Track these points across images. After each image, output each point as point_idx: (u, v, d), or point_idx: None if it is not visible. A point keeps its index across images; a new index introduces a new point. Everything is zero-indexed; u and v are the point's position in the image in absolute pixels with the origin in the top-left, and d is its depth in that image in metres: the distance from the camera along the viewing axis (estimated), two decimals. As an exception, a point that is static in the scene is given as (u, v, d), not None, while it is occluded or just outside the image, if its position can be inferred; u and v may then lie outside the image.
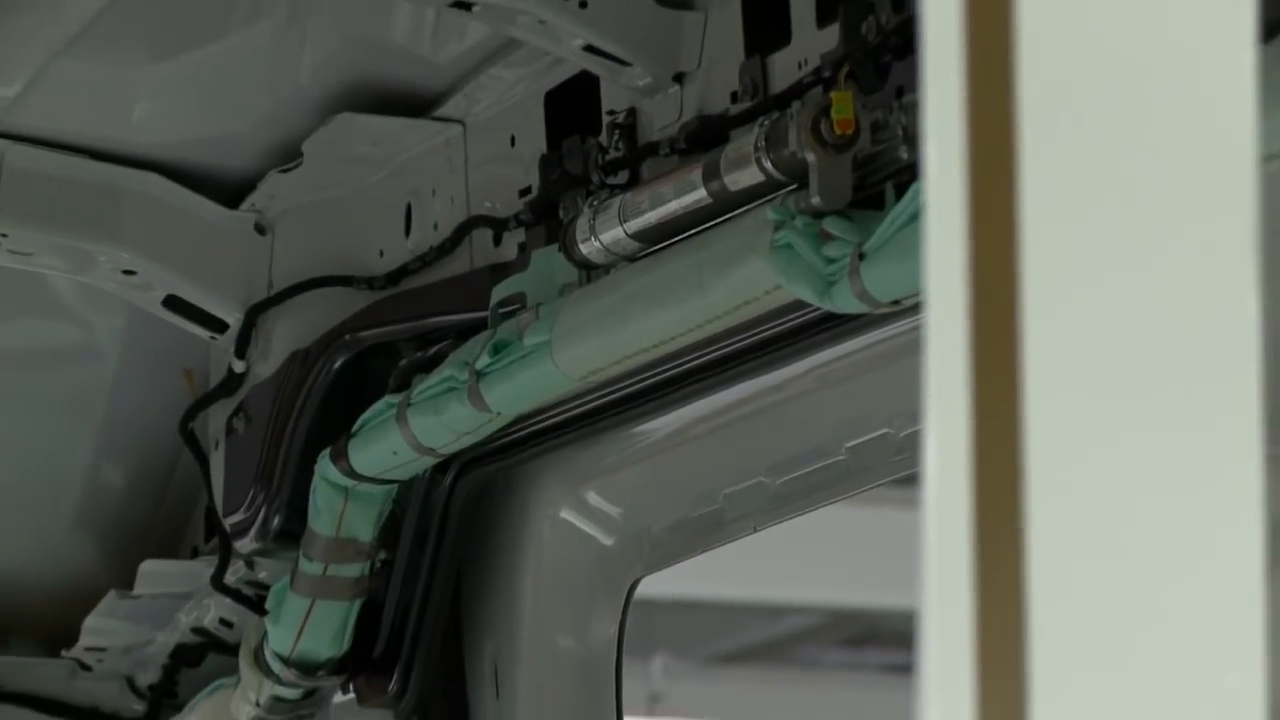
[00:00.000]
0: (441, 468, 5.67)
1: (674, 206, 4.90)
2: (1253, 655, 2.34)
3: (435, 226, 5.60)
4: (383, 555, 5.76)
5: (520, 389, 5.27)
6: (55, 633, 6.53)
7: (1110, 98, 2.33)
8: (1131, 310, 2.28)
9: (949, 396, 2.33)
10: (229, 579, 5.96)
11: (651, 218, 4.96)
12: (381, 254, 5.73)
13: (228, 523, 5.90)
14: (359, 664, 5.84)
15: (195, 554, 6.35)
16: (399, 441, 5.47)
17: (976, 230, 2.27)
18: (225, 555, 5.93)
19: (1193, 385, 2.28)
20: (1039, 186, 2.26)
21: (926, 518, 2.25)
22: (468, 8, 5.19)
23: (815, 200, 4.36)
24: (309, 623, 5.78)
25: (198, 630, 6.29)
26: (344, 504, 5.71)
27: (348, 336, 5.73)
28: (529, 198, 5.33)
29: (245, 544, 5.86)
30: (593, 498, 5.83)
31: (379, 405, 5.54)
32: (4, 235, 5.79)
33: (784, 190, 4.64)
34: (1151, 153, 2.29)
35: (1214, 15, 2.28)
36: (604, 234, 5.00)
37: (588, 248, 5.05)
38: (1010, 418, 2.22)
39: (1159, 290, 2.28)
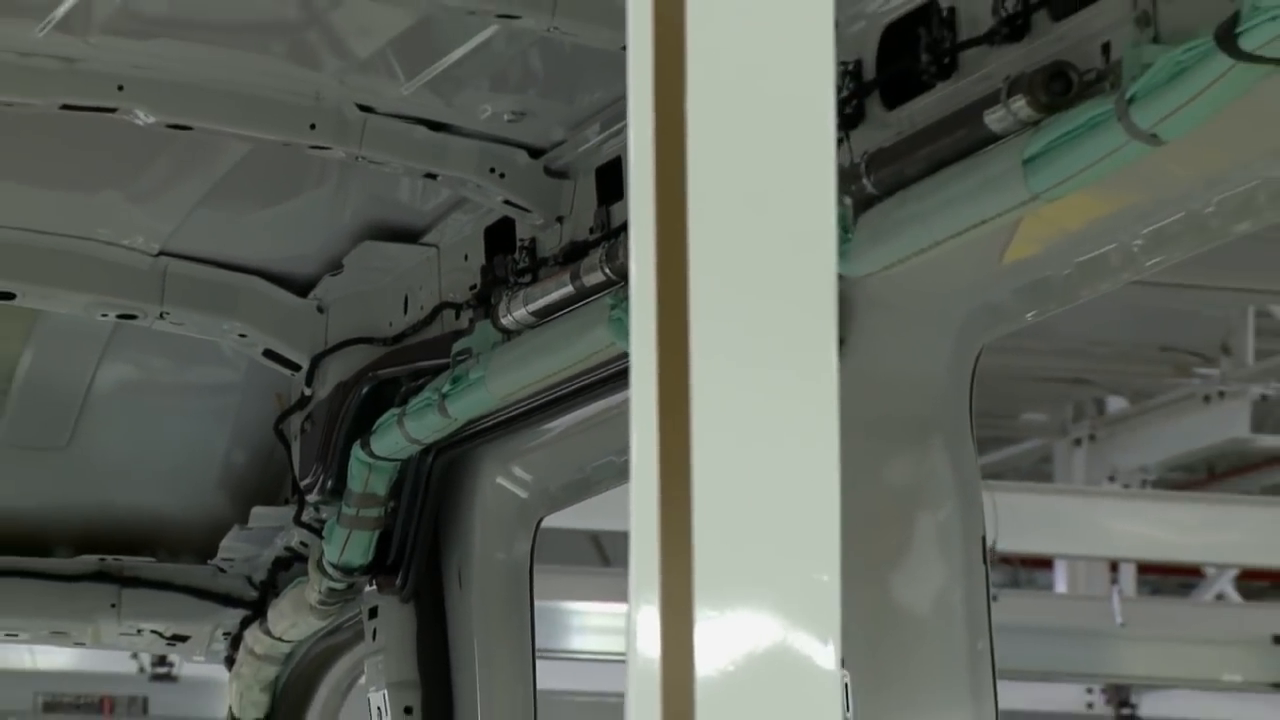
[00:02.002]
0: (426, 451, 6.83)
1: (555, 296, 5.97)
2: (832, 560, 2.94)
3: (421, 308, 6.74)
4: (392, 504, 6.92)
5: (468, 405, 6.39)
6: (206, 550, 7.53)
7: (738, 212, 2.97)
8: (751, 334, 2.97)
9: (643, 406, 2.86)
10: (304, 518, 7.11)
11: (543, 302, 6.01)
12: (390, 324, 6.87)
13: (302, 484, 7.07)
14: (378, 569, 6.97)
15: (285, 503, 7.36)
16: (399, 436, 6.62)
17: (661, 311, 2.77)
18: (301, 504, 7.09)
19: (790, 380, 2.91)
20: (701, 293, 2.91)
21: (633, 480, 2.89)
22: (434, 177, 6.29)
23: None
24: (348, 544, 6.90)
25: (287, 548, 7.38)
26: (368, 473, 6.83)
27: (371, 374, 6.84)
28: (475, 291, 6.44)
29: (312, 497, 7.01)
30: (515, 469, 6.90)
31: (388, 414, 6.70)
32: (168, 314, 6.87)
33: (618, 285, 5.63)
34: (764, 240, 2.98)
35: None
36: (515, 313, 6.10)
37: (507, 321, 6.15)
38: (683, 416, 2.84)
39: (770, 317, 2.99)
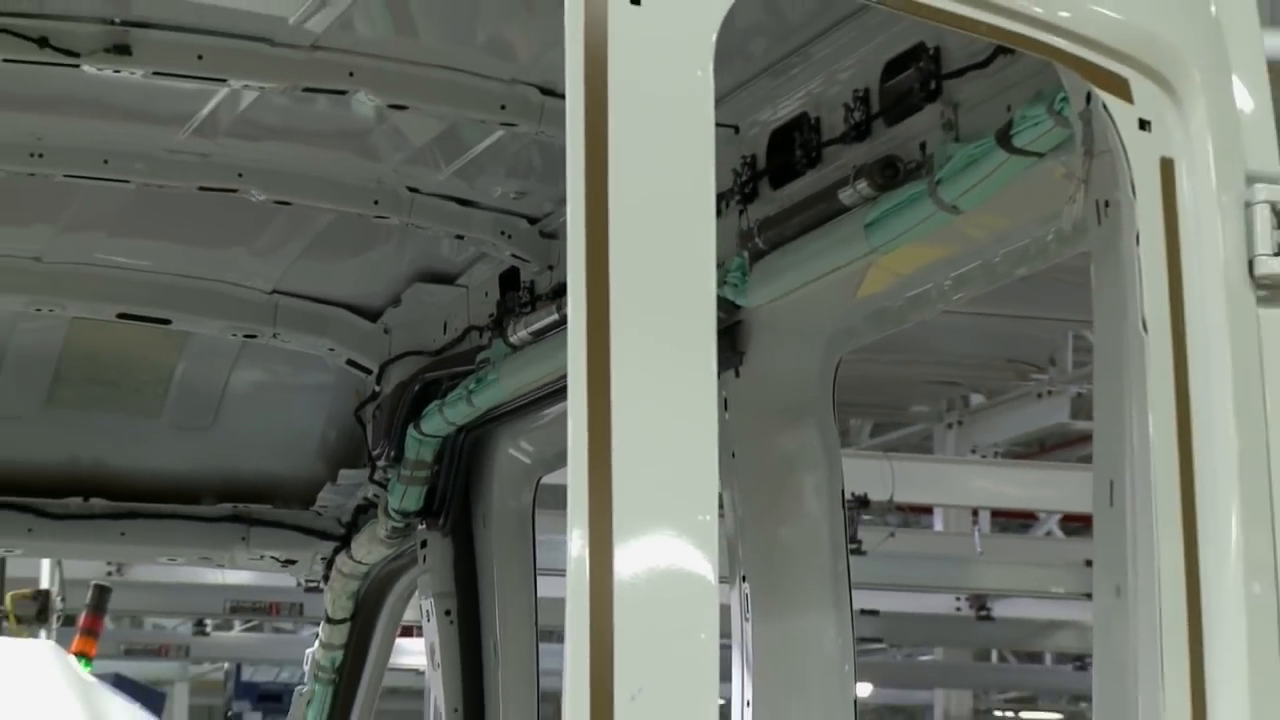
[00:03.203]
0: (459, 430, 6.65)
1: (545, 321, 5.84)
2: (711, 505, 3.47)
3: (455, 330, 6.58)
4: (436, 467, 6.75)
5: (487, 397, 6.25)
6: (308, 499, 7.39)
7: (645, 268, 3.40)
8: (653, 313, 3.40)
9: (578, 400, 3.36)
10: (375, 477, 6.93)
11: (537, 326, 5.86)
12: (434, 341, 6.70)
13: (374, 454, 6.87)
14: (426, 513, 6.82)
15: (363, 467, 7.09)
16: (440, 419, 6.49)
17: (591, 335, 3.30)
18: (373, 467, 6.89)
19: (681, 380, 3.35)
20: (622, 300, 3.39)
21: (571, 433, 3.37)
22: (462, 238, 6.23)
23: None
24: (405, 496, 6.77)
25: (364, 499, 7.18)
26: (419, 446, 6.67)
27: (421, 376, 6.65)
28: (492, 318, 6.27)
29: (381, 463, 6.82)
30: (521, 442, 6.71)
31: (433, 404, 6.55)
32: (279, 334, 6.82)
33: None
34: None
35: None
36: (520, 334, 5.95)
37: (514, 339, 6.00)
38: (606, 407, 3.37)
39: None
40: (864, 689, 29.61)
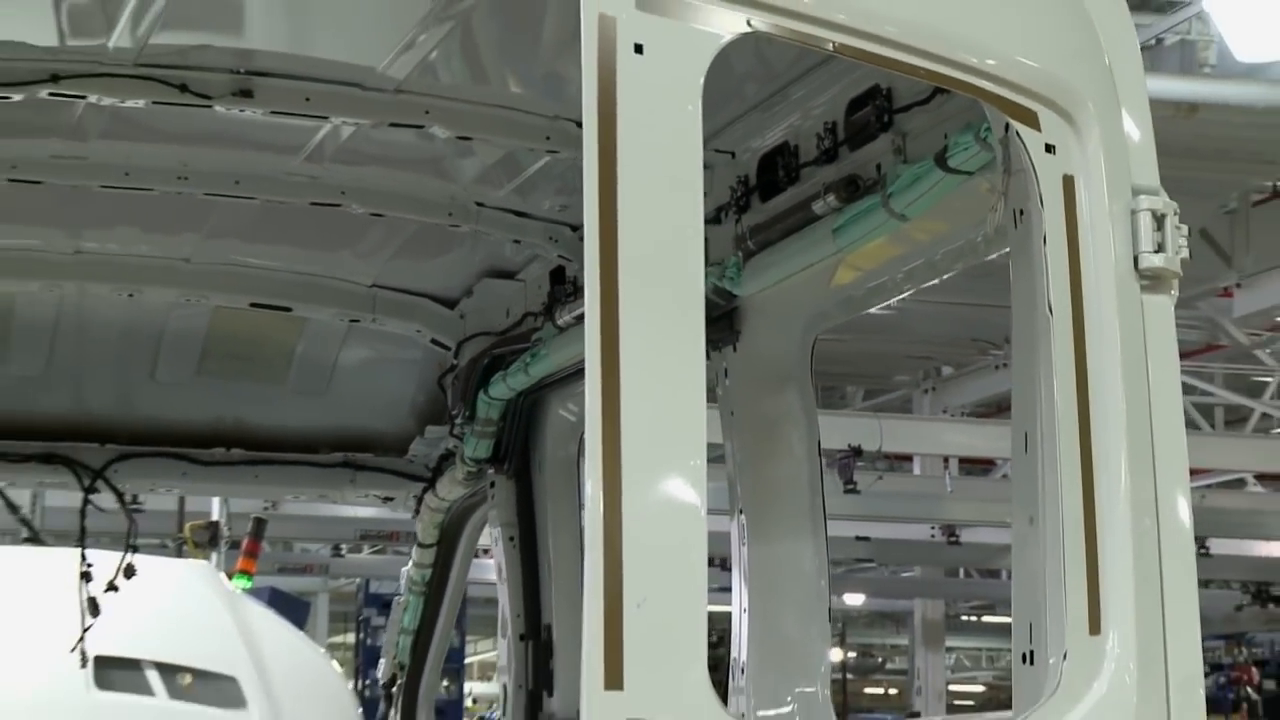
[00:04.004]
0: (519, 395, 6.59)
1: (579, 312, 5.72)
2: (700, 452, 3.39)
3: (515, 315, 6.51)
4: (501, 424, 6.71)
5: (540, 368, 6.21)
6: (402, 449, 7.32)
7: (646, 266, 3.37)
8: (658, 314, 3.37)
9: (594, 373, 3.26)
10: (454, 432, 6.86)
11: (578, 312, 5.70)
12: (499, 324, 6.62)
13: (453, 414, 6.84)
14: (494, 460, 6.80)
15: (445, 424, 7.01)
16: (504, 386, 6.46)
17: (604, 320, 3.27)
18: (452, 424, 6.85)
19: (675, 355, 3.34)
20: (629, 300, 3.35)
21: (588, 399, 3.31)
22: (519, 242, 6.15)
23: None
24: (478, 446, 6.76)
25: (446, 449, 7.10)
26: (488, 407, 6.64)
27: (489, 352, 6.62)
28: (545, 306, 6.18)
29: (458, 421, 6.81)
30: (568, 403, 6.61)
31: (498, 374, 6.52)
32: (378, 319, 6.78)
33: None
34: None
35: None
36: (565, 318, 5.91)
37: (561, 323, 5.95)
38: (616, 377, 3.32)
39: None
40: (857, 599, 29.66)
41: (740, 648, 5.12)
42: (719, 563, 6.36)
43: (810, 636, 5.13)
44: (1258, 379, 22.06)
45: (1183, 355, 18.99)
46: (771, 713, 5.01)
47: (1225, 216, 14.53)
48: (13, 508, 14.96)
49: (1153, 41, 13.15)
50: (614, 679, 3.23)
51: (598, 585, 3.29)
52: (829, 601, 5.16)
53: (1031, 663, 3.69)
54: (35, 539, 13.27)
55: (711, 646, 3.62)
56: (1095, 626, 3.60)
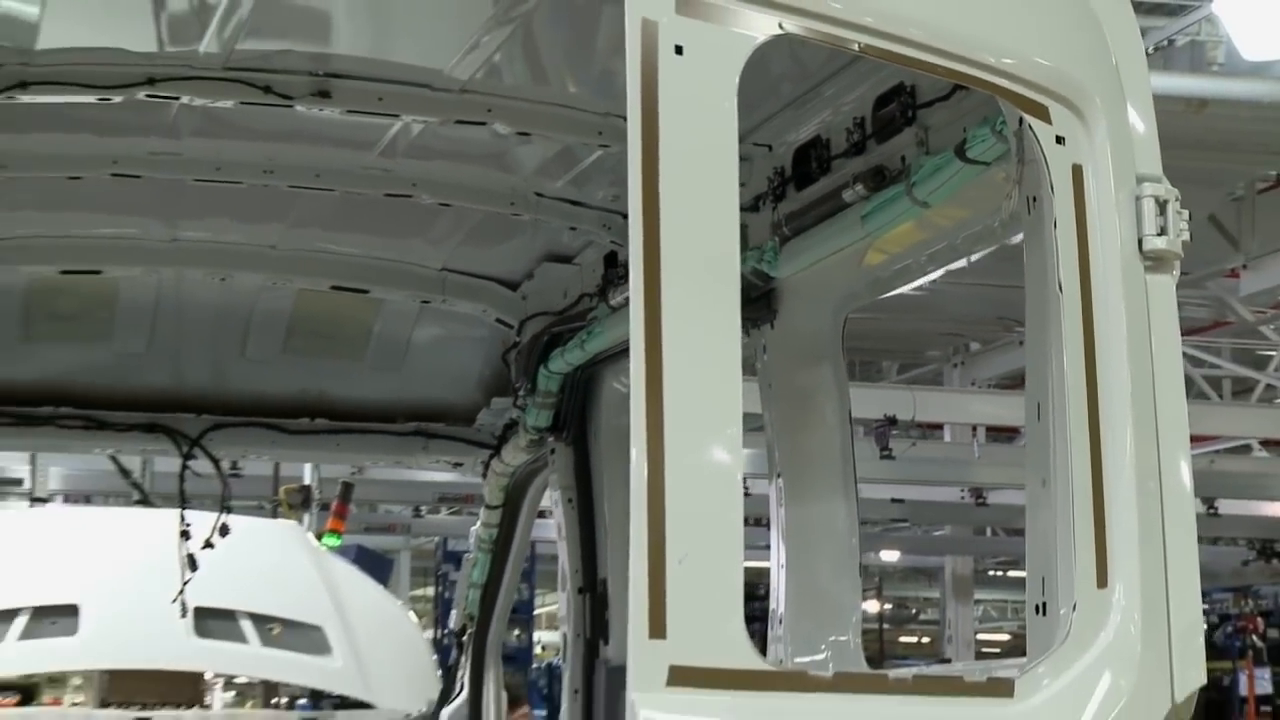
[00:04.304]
0: (576, 369, 6.53)
1: (625, 295, 5.32)
2: (736, 420, 3.34)
3: (573, 296, 6.45)
4: (560, 395, 6.67)
5: (595, 344, 6.16)
6: (471, 419, 7.32)
7: (686, 253, 3.36)
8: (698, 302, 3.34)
9: (638, 333, 3.27)
10: (517, 403, 6.82)
11: (622, 298, 5.68)
12: (557, 304, 6.55)
13: (516, 386, 6.82)
14: (554, 429, 6.76)
15: (509, 395, 6.99)
16: (562, 361, 6.42)
17: (648, 299, 3.28)
18: (516, 396, 6.82)
19: (713, 330, 3.32)
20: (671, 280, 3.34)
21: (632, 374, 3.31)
22: (575, 229, 6.09)
23: None
24: (538, 416, 6.72)
25: (510, 419, 7.06)
26: (548, 380, 6.60)
27: (548, 330, 6.55)
28: (599, 287, 6.13)
29: (521, 393, 6.77)
30: (620, 376, 6.42)
31: (557, 349, 6.48)
32: (447, 300, 6.74)
33: None
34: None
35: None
36: (616, 299, 5.82)
37: (613, 303, 5.89)
38: (659, 353, 3.27)
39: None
40: (893, 556, 29.57)
41: (778, 600, 5.09)
42: (759, 522, 6.31)
43: (842, 589, 5.10)
44: (1263, 353, 21.99)
45: (1193, 331, 18.96)
46: (807, 659, 4.96)
47: (1233, 204, 14.53)
48: (125, 472, 15.09)
49: (1165, 43, 13.10)
50: (658, 628, 3.23)
51: (642, 543, 3.28)
52: (859, 557, 5.12)
53: (1044, 614, 3.68)
54: (145, 501, 13.34)
55: (755, 599, 3.58)
56: (1103, 580, 3.58)
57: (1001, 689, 3.51)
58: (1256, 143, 11.94)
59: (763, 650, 4.91)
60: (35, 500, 18.69)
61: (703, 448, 3.37)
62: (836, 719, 3.42)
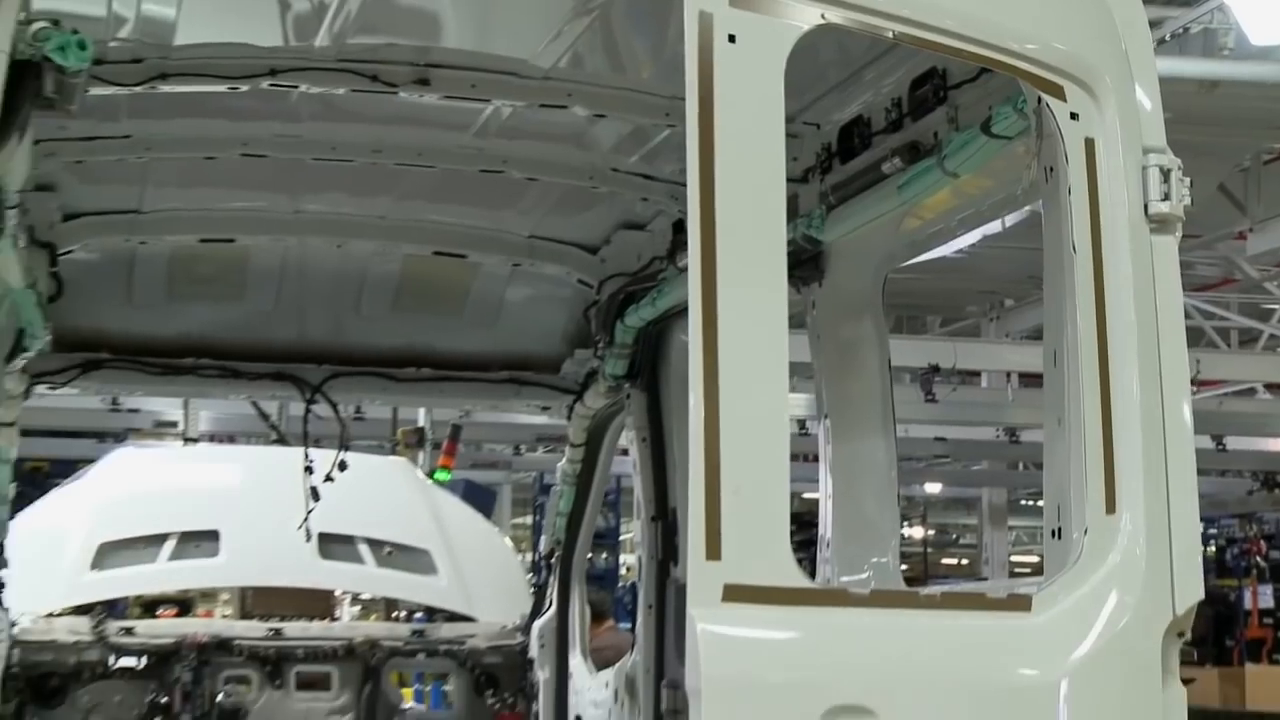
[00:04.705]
0: (649, 322, 6.45)
1: (682, 264, 5.65)
2: (783, 366, 3.37)
3: (645, 259, 6.41)
4: (635, 346, 6.61)
5: (665, 300, 6.10)
6: (556, 368, 7.24)
7: (738, 218, 3.36)
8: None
9: (696, 291, 3.28)
10: (598, 353, 6.75)
11: (687, 263, 4.97)
12: (632, 266, 6.49)
13: (596, 339, 6.77)
14: (629, 376, 6.66)
15: (591, 347, 6.91)
16: (637, 316, 6.37)
17: (704, 262, 3.34)
18: (596, 347, 6.75)
19: (761, 290, 3.32)
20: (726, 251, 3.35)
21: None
22: (647, 200, 6.02)
23: None
24: (615, 364, 6.66)
25: (591, 369, 6.96)
26: (624, 333, 6.55)
27: (624, 289, 6.50)
28: (668, 251, 6.11)
29: (600, 345, 6.71)
30: (685, 332, 5.94)
31: (632, 305, 6.42)
32: (535, 264, 6.63)
33: None
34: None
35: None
36: (683, 262, 5.31)
37: (680, 265, 5.76)
38: (714, 309, 3.30)
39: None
40: (935, 488, 29.40)
41: (826, 526, 5.06)
42: (809, 458, 6.27)
43: (883, 517, 5.06)
44: (1267, 307, 21.79)
45: (1204, 288, 18.79)
46: (851, 578, 4.95)
47: (1240, 174, 14.48)
48: (263, 416, 15.27)
49: (1181, 30, 13.01)
50: (714, 551, 3.24)
51: (700, 477, 3.29)
52: (898, 488, 5.10)
53: (1059, 538, 3.67)
54: (282, 440, 13.51)
55: (810, 526, 3.57)
56: (1111, 507, 3.58)
57: (1020, 604, 3.50)
58: (1262, 119, 11.90)
59: (813, 571, 4.97)
60: (187, 440, 18.88)
61: (752, 392, 3.36)
62: (872, 631, 3.41)
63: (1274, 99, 11.35)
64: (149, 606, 11.36)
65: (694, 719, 3.26)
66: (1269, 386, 22.02)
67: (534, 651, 7.54)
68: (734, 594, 3.24)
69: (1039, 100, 3.72)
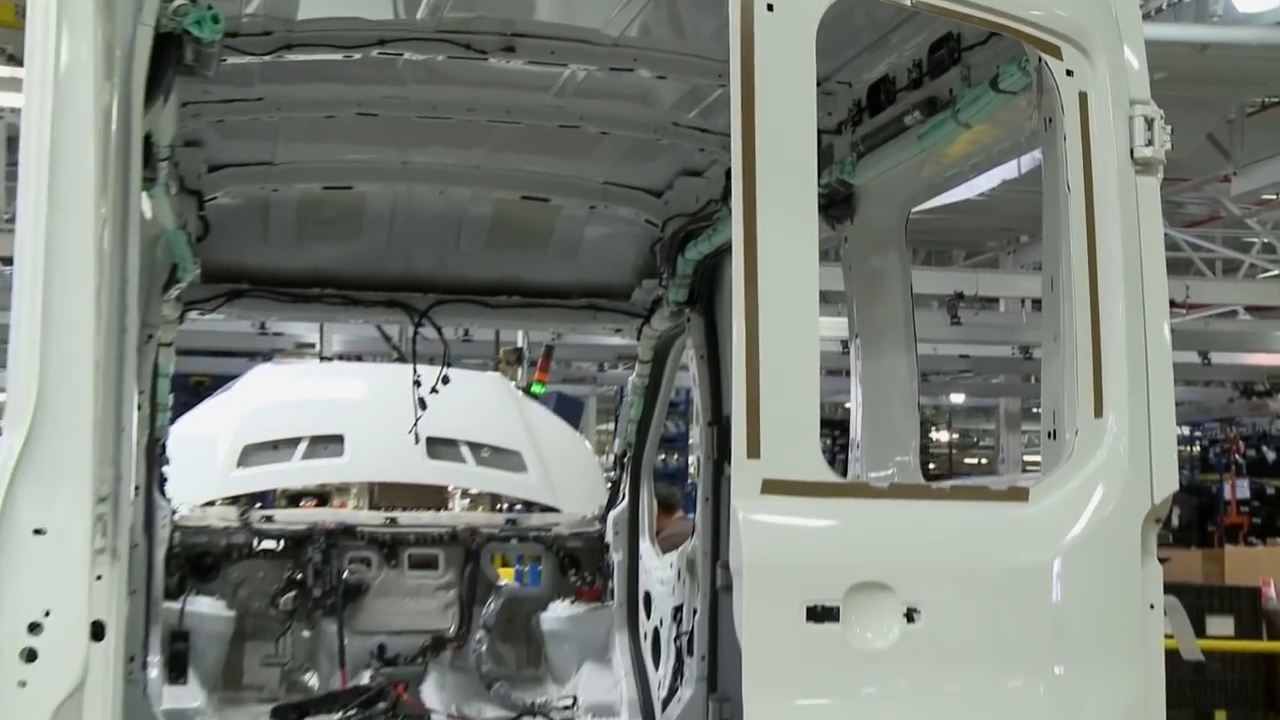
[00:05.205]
0: (706, 255, 6.31)
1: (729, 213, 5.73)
2: (813, 293, 3.40)
3: (702, 202, 6.30)
4: (694, 277, 6.48)
5: (718, 239, 6.01)
6: (627, 296, 7.08)
7: (776, 171, 3.31)
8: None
9: (739, 229, 3.27)
10: (662, 283, 6.64)
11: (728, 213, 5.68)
12: (691, 207, 6.36)
13: (661, 270, 6.65)
14: (689, 301, 6.60)
15: (656, 277, 6.79)
16: (695, 250, 6.29)
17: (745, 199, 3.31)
18: (662, 277, 6.65)
19: (794, 224, 3.28)
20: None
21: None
22: (704, 151, 5.85)
23: None
24: (677, 292, 6.55)
25: (658, 295, 6.82)
26: (684, 265, 6.45)
27: (686, 227, 6.37)
28: (722, 194, 5.95)
29: (664, 275, 6.61)
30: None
31: (691, 242, 6.34)
32: (610, 206, 6.50)
33: None
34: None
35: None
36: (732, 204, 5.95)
37: (732, 206, 5.85)
38: (754, 233, 3.28)
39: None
40: (959, 398, 29.22)
41: (856, 430, 5.03)
42: (842, 373, 6.22)
43: (904, 422, 5.02)
44: (1247, 240, 21.53)
45: (1193, 224, 18.55)
46: (877, 474, 4.92)
47: (1227, 124, 14.30)
48: (386, 337, 15.35)
49: (1176, 0, 12.78)
50: (754, 451, 3.26)
51: (742, 386, 3.30)
52: (917, 397, 5.05)
53: (1054, 438, 3.67)
54: (402, 359, 13.58)
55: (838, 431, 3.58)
56: (1099, 412, 3.56)
57: (1019, 495, 3.50)
58: (1246, 77, 11.81)
59: (845, 469, 5.00)
60: (323, 358, 19.05)
61: (787, 314, 3.35)
62: (890, 519, 3.42)
63: (1257, 59, 11.20)
64: (293, 499, 11.62)
65: (738, 594, 3.28)
66: (1249, 309, 21.85)
67: (609, 538, 7.52)
68: (771, 487, 3.25)
69: (1039, 60, 3.68)
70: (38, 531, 2.88)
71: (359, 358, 19.99)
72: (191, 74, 3.54)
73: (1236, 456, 25.54)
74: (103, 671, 2.97)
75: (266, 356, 18.94)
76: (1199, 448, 27.28)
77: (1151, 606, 3.45)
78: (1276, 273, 20.32)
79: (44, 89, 3.03)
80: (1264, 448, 25.08)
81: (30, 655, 2.83)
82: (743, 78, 3.34)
